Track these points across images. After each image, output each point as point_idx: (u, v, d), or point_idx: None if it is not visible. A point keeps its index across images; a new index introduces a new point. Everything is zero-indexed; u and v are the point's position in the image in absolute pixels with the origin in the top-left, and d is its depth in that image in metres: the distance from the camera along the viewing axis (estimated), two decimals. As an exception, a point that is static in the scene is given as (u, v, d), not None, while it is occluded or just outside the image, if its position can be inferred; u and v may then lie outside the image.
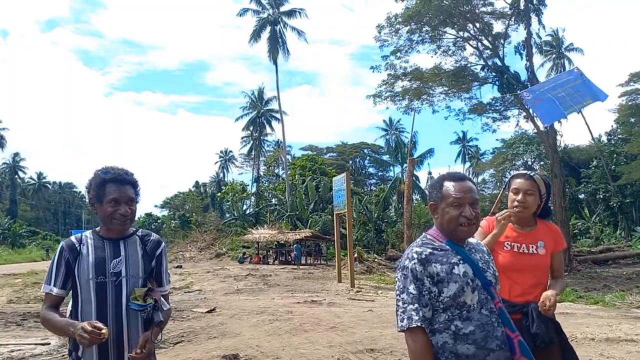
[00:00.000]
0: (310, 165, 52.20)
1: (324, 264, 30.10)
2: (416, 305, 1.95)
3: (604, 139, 49.04)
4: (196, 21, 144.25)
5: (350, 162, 69.21)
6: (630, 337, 6.93)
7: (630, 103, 41.58)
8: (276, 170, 63.83)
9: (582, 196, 48.67)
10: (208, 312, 10.21)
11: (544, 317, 2.66)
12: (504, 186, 3.03)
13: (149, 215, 66.12)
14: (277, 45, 45.24)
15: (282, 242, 31.68)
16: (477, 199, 2.10)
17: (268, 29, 45.52)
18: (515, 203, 2.85)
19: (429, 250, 2.04)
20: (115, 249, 2.39)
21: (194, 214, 61.47)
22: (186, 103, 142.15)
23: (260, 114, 55.42)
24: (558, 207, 24.45)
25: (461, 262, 2.02)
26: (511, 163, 49.91)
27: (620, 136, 46.48)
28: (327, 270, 23.64)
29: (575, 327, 7.53)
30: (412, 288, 1.97)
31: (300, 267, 26.89)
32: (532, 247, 2.84)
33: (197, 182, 79.42)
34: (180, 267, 26.93)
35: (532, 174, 2.94)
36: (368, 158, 68.95)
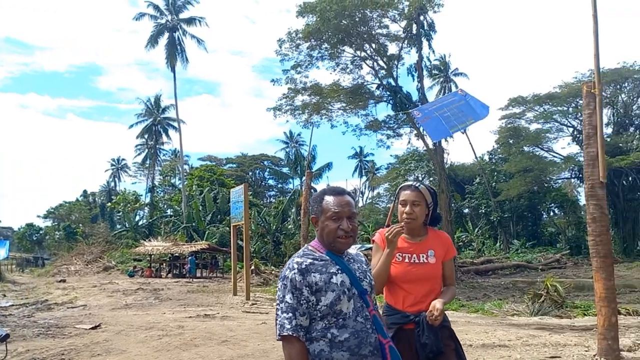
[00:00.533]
0: (209, 176, 51.25)
1: (220, 276, 29.58)
2: (290, 314, 2.02)
3: (486, 157, 53.04)
4: (89, 23, 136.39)
5: (250, 173, 68.84)
6: (503, 342, 7.51)
7: (509, 125, 45.39)
8: (172, 180, 61.92)
9: (466, 210, 52.17)
10: (92, 328, 9.66)
11: (433, 327, 2.70)
12: (394, 199, 3.06)
13: (30, 225, 61.29)
14: (175, 52, 44.12)
15: (177, 254, 30.72)
16: (355, 213, 2.21)
17: (166, 35, 44.30)
18: (404, 215, 2.87)
19: (310, 260, 2.12)
20: None
21: (80, 224, 57.92)
22: (76, 107, 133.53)
23: (157, 121, 53.56)
24: (445, 220, 26.01)
25: (339, 272, 2.11)
26: (404, 178, 52.26)
27: (500, 156, 50.51)
28: (223, 283, 23.28)
29: (456, 335, 8.03)
30: (288, 297, 2.04)
31: (195, 280, 26.23)
32: (423, 256, 2.85)
33: (85, 191, 74.93)
34: (64, 281, 25.25)
35: (417, 185, 2.96)
36: (268, 170, 68.97)
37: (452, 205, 37.16)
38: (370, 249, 3.17)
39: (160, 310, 12.82)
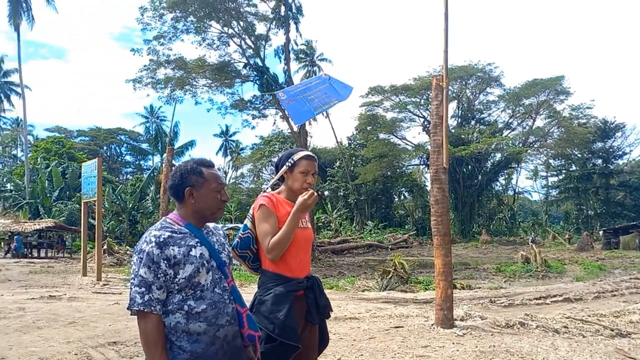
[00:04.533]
0: (57, 149, 47.09)
1: (67, 257, 27.52)
2: (143, 288, 2.00)
3: (346, 143, 55.39)
4: None
5: (105, 148, 64.52)
6: (354, 315, 8.03)
7: (368, 113, 47.84)
8: (14, 152, 55.88)
9: (326, 193, 54.19)
10: None
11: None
12: (287, 165, 2.90)
13: None
14: (19, 9, 39.56)
15: (18, 232, 27.95)
16: (225, 184, 2.29)
17: (10, -11, 39.53)
18: (306, 185, 2.84)
19: (168, 233, 2.09)
20: None
21: None
22: None
23: (-3, 85, 47.84)
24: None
25: (198, 244, 2.13)
26: (267, 159, 52.81)
27: (359, 141, 53.08)
28: (71, 264, 21.72)
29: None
30: (143, 272, 2.01)
31: (37, 260, 24.11)
32: (304, 221, 2.86)
33: None
34: None
35: (313, 155, 2.98)
36: (125, 145, 65.13)
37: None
38: (233, 229, 3.15)
39: (-3, 292, 11.66)
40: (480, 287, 14.45)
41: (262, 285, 2.74)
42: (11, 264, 20.69)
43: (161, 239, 2.06)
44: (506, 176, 54.03)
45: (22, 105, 42.54)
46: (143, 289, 1.99)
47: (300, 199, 2.72)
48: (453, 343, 5.86)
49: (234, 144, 69.51)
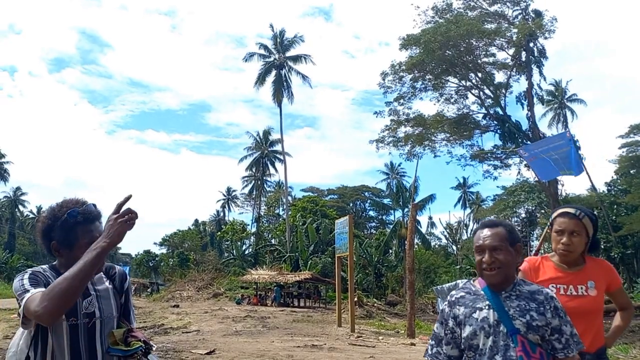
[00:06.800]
0: (311, 207, 52.27)
1: (322, 307, 29.74)
2: (433, 342, 2.23)
3: (604, 189, 49.25)
4: (199, 63, 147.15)
5: (351, 204, 69.25)
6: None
7: (630, 154, 42.00)
8: (277, 211, 63.85)
9: (583, 246, 48.49)
10: (207, 353, 10.08)
11: None
12: (548, 224, 2.78)
13: (147, 252, 65.82)
14: (282, 88, 46.00)
15: (282, 283, 31.42)
16: (496, 245, 2.12)
17: (273, 72, 46.39)
18: (560, 246, 2.61)
19: (462, 293, 2.22)
20: None
21: (192, 252, 61.14)
22: (188, 142, 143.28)
23: (264, 154, 55.93)
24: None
25: (486, 307, 2.11)
26: (512, 210, 49.96)
27: (620, 187, 46.68)
28: (327, 314, 23.36)
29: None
30: (435, 326, 2.25)
31: (298, 309, 26.57)
32: (582, 288, 2.58)
33: (196, 221, 79.33)
34: (177, 306, 26.63)
35: (578, 213, 2.62)
36: (369, 201, 69.04)
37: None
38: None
39: (269, 338, 13.11)
40: None
41: None
42: (277, 312, 23.19)
43: (453, 298, 2.24)
44: None
45: (284, 170, 48.70)
46: (433, 342, 2.25)
47: None
48: None
49: (474, 196, 67.83)
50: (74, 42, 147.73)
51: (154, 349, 2.10)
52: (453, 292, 2.23)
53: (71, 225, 1.98)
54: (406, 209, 46.00)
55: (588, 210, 2.70)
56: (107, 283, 2.13)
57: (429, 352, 2.21)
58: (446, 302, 2.21)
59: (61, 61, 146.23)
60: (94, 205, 2.08)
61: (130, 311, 2.24)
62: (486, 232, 2.18)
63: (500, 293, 2.13)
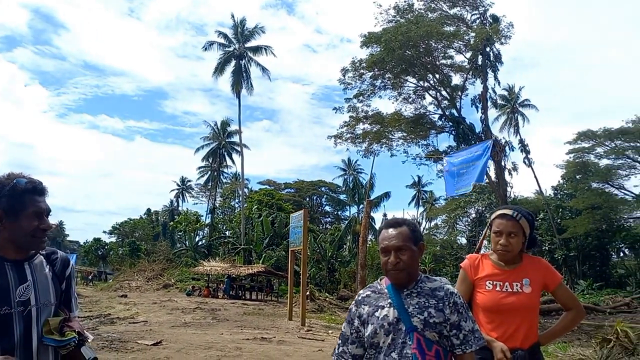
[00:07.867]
0: (267, 200, 52.07)
1: (275, 300, 29.76)
2: (340, 341, 2.24)
3: (551, 193, 51.12)
4: (156, 49, 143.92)
5: (307, 199, 69.35)
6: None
7: (577, 160, 43.74)
8: (232, 203, 63.30)
9: None
10: (154, 344, 9.94)
11: None
12: (487, 224, 2.81)
13: (97, 240, 64.12)
14: (241, 79, 45.50)
15: (234, 275, 31.21)
16: (400, 246, 2.14)
17: (233, 62, 45.82)
18: (498, 247, 2.68)
19: (368, 292, 2.24)
20: (20, 272, 1.94)
21: (143, 242, 59.95)
22: (143, 129, 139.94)
23: (222, 145, 55.23)
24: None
25: (388, 305, 2.13)
26: (463, 210, 51.24)
27: (566, 191, 48.56)
28: (278, 307, 23.39)
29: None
30: (343, 326, 2.25)
31: (249, 302, 26.49)
32: (517, 285, 2.63)
33: (149, 210, 77.77)
34: (126, 296, 26.11)
35: (515, 215, 2.69)
36: (325, 196, 69.35)
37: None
38: None
39: (218, 330, 13.03)
40: None
41: None
42: (228, 305, 23.05)
43: (359, 297, 2.27)
44: None
45: (241, 162, 48.30)
46: (339, 342, 2.25)
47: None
48: None
49: (427, 195, 69.16)
50: (26, 21, 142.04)
51: (89, 340, 2.02)
52: (360, 292, 2.25)
53: (19, 193, 1.92)
54: (361, 205, 46.53)
55: (525, 211, 2.77)
56: (47, 269, 2.04)
57: (336, 351, 2.22)
58: (353, 302, 2.23)
59: (12, 39, 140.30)
60: (41, 181, 2.02)
61: (71, 299, 2.15)
62: (391, 231, 2.19)
63: (403, 291, 2.16)
